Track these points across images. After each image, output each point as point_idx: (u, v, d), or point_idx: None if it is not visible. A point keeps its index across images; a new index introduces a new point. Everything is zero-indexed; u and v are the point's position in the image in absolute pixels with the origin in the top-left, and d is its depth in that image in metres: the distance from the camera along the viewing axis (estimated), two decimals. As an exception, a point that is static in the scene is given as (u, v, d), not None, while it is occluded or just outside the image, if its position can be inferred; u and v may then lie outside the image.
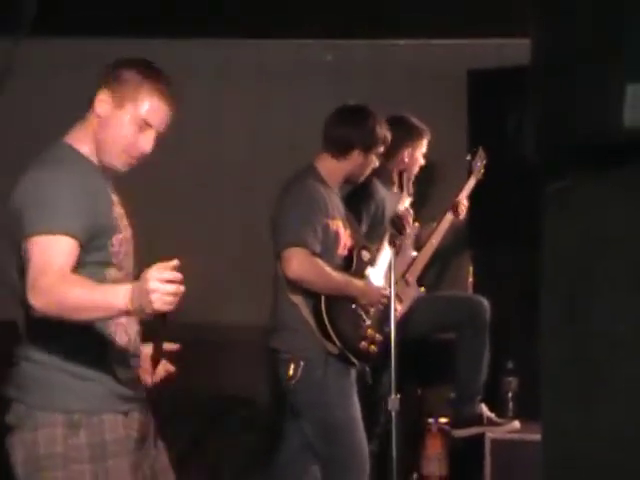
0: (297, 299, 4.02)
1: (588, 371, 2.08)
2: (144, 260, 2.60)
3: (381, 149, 4.21)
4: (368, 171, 4.24)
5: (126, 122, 2.76)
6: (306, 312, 4.01)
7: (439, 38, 5.39)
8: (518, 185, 4.11)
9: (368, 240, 4.37)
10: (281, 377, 4.02)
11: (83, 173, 2.73)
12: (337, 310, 4.03)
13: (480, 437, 4.66)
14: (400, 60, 5.48)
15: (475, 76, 5.15)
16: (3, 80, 4.30)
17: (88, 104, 2.80)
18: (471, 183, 4.87)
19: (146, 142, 2.78)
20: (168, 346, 2.80)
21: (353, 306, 4.10)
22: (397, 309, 4.13)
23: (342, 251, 4.12)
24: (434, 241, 4.76)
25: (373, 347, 4.10)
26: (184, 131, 5.47)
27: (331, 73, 5.46)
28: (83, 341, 2.69)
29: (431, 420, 4.96)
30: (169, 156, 5.47)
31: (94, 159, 2.78)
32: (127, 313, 2.57)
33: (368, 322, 4.13)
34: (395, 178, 4.66)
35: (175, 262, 2.48)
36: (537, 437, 2.48)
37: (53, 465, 2.67)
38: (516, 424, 4.69)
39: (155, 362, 2.78)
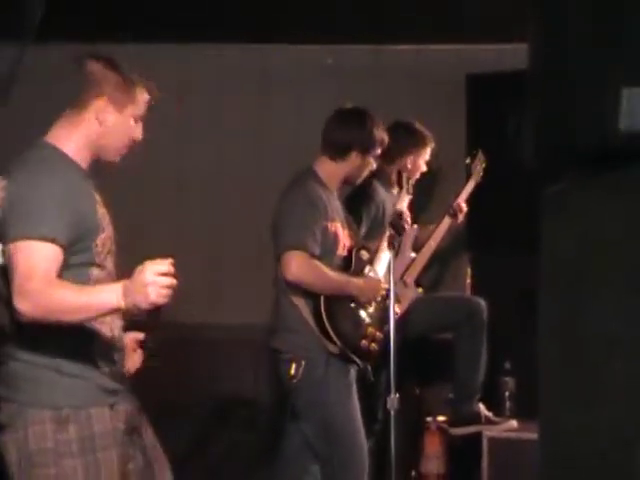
0: (298, 300, 4.03)
1: (585, 371, 2.12)
2: (144, 260, 2.63)
3: (379, 151, 4.21)
4: (366, 173, 4.24)
5: (129, 123, 2.87)
6: (307, 313, 4.02)
7: (438, 43, 5.41)
8: (516, 188, 4.14)
9: (368, 241, 4.40)
10: (282, 377, 4.02)
11: (66, 174, 2.76)
12: (337, 310, 4.04)
13: (478, 436, 4.68)
14: (400, 64, 5.50)
15: (474, 80, 5.15)
16: (8, 87, 4.34)
17: (75, 104, 2.84)
18: (470, 186, 4.88)
19: (139, 131, 2.91)
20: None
21: (352, 305, 4.10)
22: (395, 310, 4.14)
23: (341, 252, 4.14)
24: (433, 243, 4.77)
25: (374, 345, 4.09)
26: (187, 134, 5.51)
27: (332, 77, 5.47)
28: (68, 339, 2.73)
29: (430, 419, 4.99)
30: (172, 158, 5.53)
31: (78, 158, 2.81)
32: (119, 310, 2.64)
33: (368, 320, 4.13)
34: (394, 177, 4.65)
35: (169, 260, 2.58)
36: (534, 436, 2.52)
37: (45, 461, 2.71)
38: (513, 423, 4.71)
39: (145, 349, 2.92)
